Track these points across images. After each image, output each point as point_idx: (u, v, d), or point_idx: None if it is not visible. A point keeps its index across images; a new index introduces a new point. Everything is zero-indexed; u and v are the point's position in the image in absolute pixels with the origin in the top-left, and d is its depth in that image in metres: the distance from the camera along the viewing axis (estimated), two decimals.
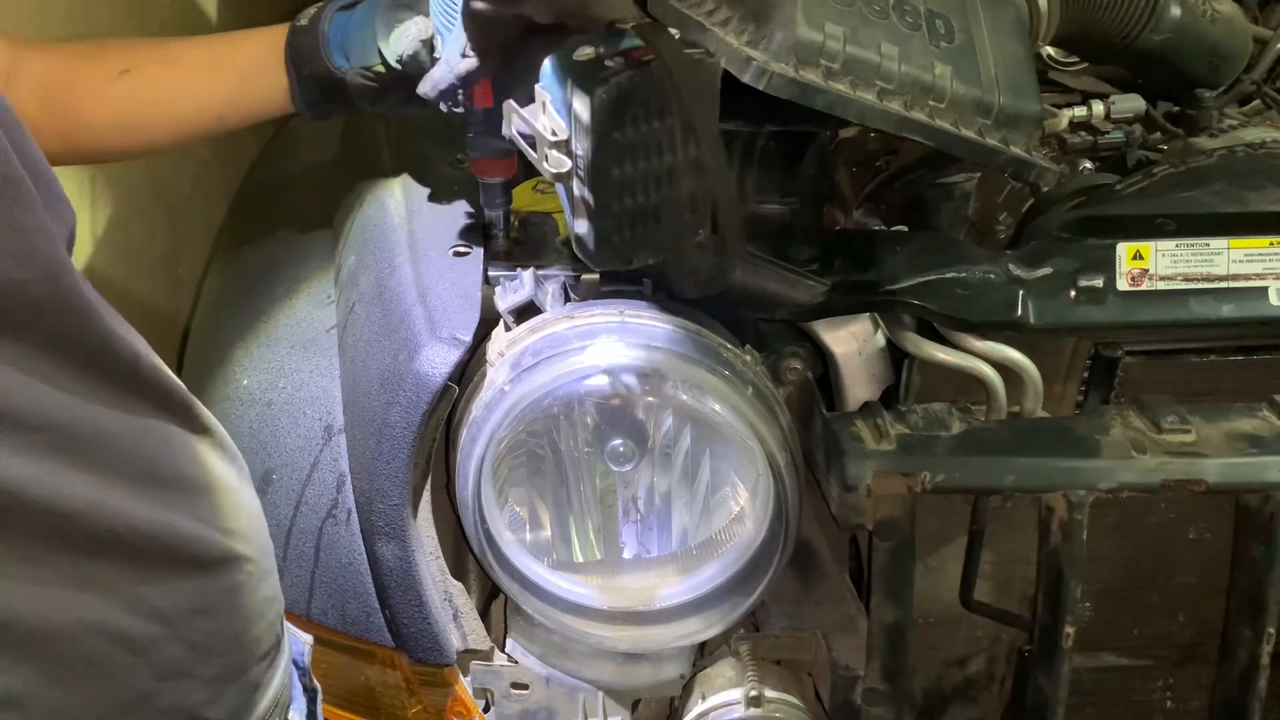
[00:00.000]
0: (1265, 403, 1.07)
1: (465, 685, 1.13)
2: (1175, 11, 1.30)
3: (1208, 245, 1.08)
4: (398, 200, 1.25)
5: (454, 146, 1.25)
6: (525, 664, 1.14)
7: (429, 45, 1.12)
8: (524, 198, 1.20)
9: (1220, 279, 1.08)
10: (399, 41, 1.14)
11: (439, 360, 1.05)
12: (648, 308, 1.08)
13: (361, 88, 1.18)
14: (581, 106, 0.91)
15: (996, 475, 1.02)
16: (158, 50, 1.22)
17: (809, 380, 1.13)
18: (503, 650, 1.15)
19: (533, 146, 0.98)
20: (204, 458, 0.76)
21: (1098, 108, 1.38)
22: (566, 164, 0.94)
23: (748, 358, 1.08)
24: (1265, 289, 1.08)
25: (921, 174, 1.35)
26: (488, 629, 1.14)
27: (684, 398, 1.05)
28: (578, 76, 0.93)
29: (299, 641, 0.92)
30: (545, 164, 0.96)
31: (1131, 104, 1.38)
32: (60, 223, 0.67)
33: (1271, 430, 1.04)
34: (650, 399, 1.07)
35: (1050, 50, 1.50)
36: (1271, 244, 1.08)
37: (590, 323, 1.06)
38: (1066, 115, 1.37)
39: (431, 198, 1.24)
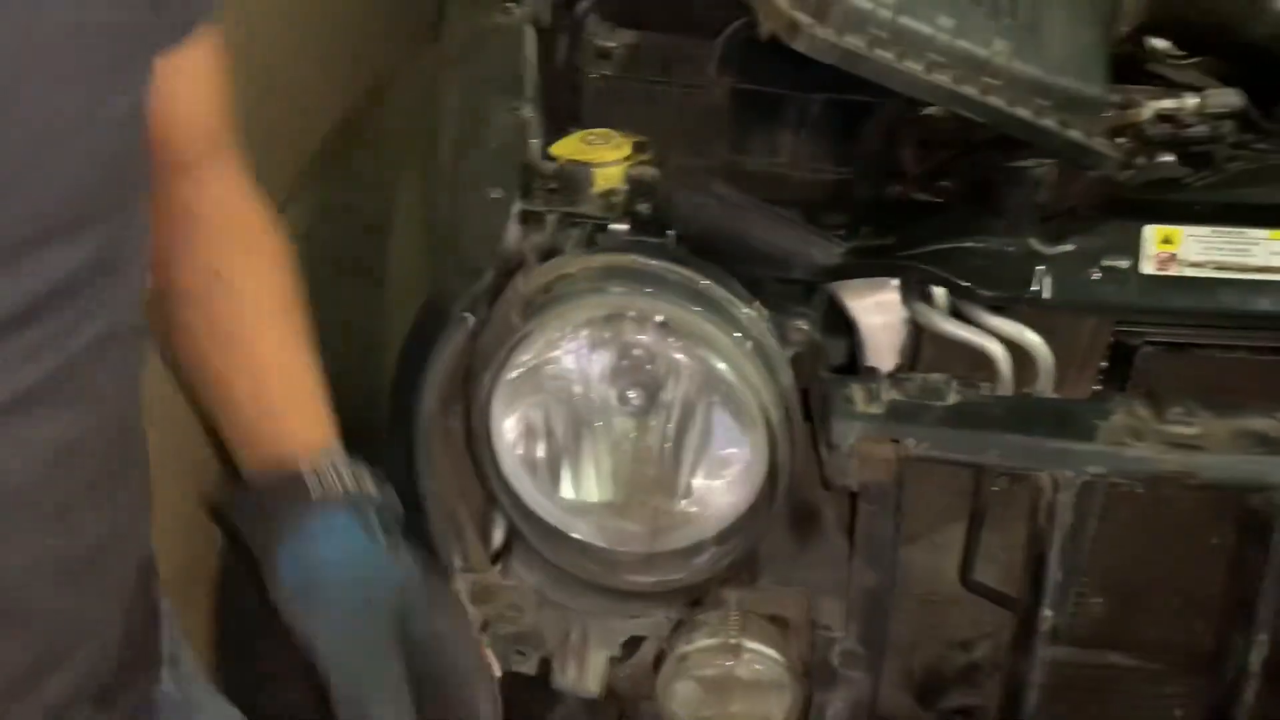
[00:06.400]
0: None
1: None
2: None
3: (1244, 234, 1.04)
4: (449, 139, 1.31)
5: (513, 94, 1.30)
6: (521, 589, 1.19)
7: None
8: (570, 148, 1.24)
9: (1255, 270, 1.04)
10: None
11: (458, 291, 1.10)
12: (663, 257, 1.11)
13: None
14: None
15: (980, 449, 1.01)
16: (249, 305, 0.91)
17: (817, 343, 1.13)
18: (500, 574, 1.19)
19: None
20: None
21: (1189, 101, 1.32)
22: None
23: (754, 314, 1.10)
24: None
25: (992, 155, 1.33)
26: (487, 553, 1.19)
27: (685, 347, 1.08)
28: None
29: None
30: None
31: (1227, 98, 1.31)
32: None
33: None
34: (656, 348, 1.10)
35: (1156, 42, 1.45)
36: None
37: (604, 267, 1.10)
38: (1152, 106, 1.32)
39: (482, 140, 1.29)
